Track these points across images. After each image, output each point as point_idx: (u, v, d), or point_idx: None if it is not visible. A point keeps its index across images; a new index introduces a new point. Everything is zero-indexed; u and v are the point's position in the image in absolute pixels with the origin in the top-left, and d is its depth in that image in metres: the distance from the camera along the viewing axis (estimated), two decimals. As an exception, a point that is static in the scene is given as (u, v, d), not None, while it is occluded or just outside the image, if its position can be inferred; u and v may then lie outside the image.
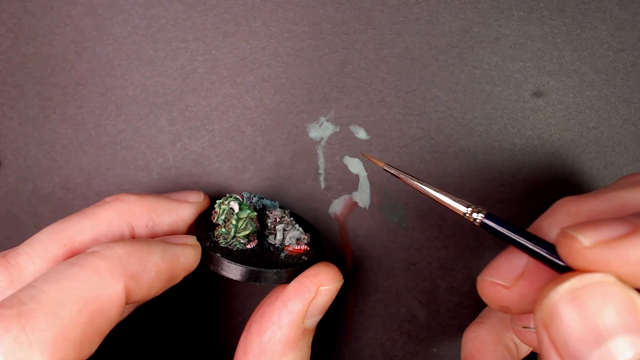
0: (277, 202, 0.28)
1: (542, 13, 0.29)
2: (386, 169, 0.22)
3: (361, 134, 0.29)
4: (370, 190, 0.29)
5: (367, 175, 0.29)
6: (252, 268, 0.24)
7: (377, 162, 0.23)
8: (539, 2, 0.29)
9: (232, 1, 0.29)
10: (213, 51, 0.29)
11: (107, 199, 0.24)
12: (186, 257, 0.23)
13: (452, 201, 0.20)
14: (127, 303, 0.21)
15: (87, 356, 0.19)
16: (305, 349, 0.25)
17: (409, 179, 0.21)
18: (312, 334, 0.25)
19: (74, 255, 0.22)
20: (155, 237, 0.24)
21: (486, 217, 0.19)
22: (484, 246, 0.29)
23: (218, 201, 0.26)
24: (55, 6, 0.29)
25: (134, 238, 0.24)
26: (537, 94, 0.29)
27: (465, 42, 0.29)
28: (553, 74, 0.29)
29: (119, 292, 0.20)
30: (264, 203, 0.27)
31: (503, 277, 0.19)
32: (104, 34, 0.29)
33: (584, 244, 0.16)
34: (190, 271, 0.24)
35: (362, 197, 0.29)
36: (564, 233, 0.17)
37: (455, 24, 0.29)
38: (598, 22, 0.29)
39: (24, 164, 0.30)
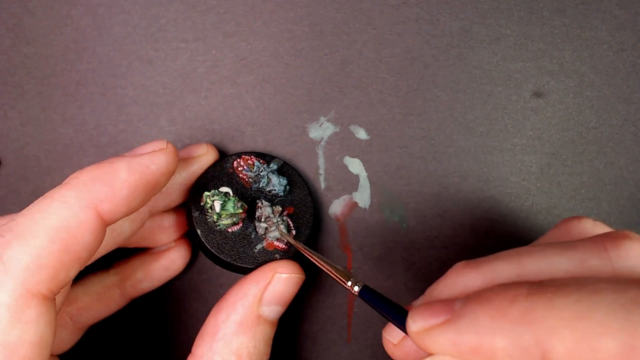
0: (285, 180, 0.28)
1: (542, 13, 0.29)
2: (291, 241, 0.26)
3: (361, 134, 0.29)
4: (371, 191, 0.29)
5: (367, 176, 0.29)
6: (221, 257, 0.26)
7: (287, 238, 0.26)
8: (539, 2, 0.29)
9: (232, 1, 0.29)
10: (213, 51, 0.29)
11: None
12: (157, 164, 0.23)
13: (337, 273, 0.23)
14: (109, 224, 0.21)
15: (64, 283, 0.20)
16: (260, 338, 0.25)
17: (307, 251, 0.25)
18: (272, 328, 0.25)
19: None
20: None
21: (362, 289, 0.22)
22: (484, 246, 0.29)
23: (207, 193, 0.26)
24: (55, 6, 0.29)
25: None
26: (537, 94, 0.29)
27: (466, 42, 0.29)
28: (553, 74, 0.29)
29: (90, 218, 0.20)
30: (270, 177, 0.27)
31: (392, 335, 0.22)
32: (104, 34, 0.29)
33: (412, 329, 0.18)
34: (170, 174, 0.23)
35: (362, 197, 0.29)
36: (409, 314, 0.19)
37: (455, 24, 0.29)
38: (598, 22, 0.29)
39: (24, 164, 0.30)
